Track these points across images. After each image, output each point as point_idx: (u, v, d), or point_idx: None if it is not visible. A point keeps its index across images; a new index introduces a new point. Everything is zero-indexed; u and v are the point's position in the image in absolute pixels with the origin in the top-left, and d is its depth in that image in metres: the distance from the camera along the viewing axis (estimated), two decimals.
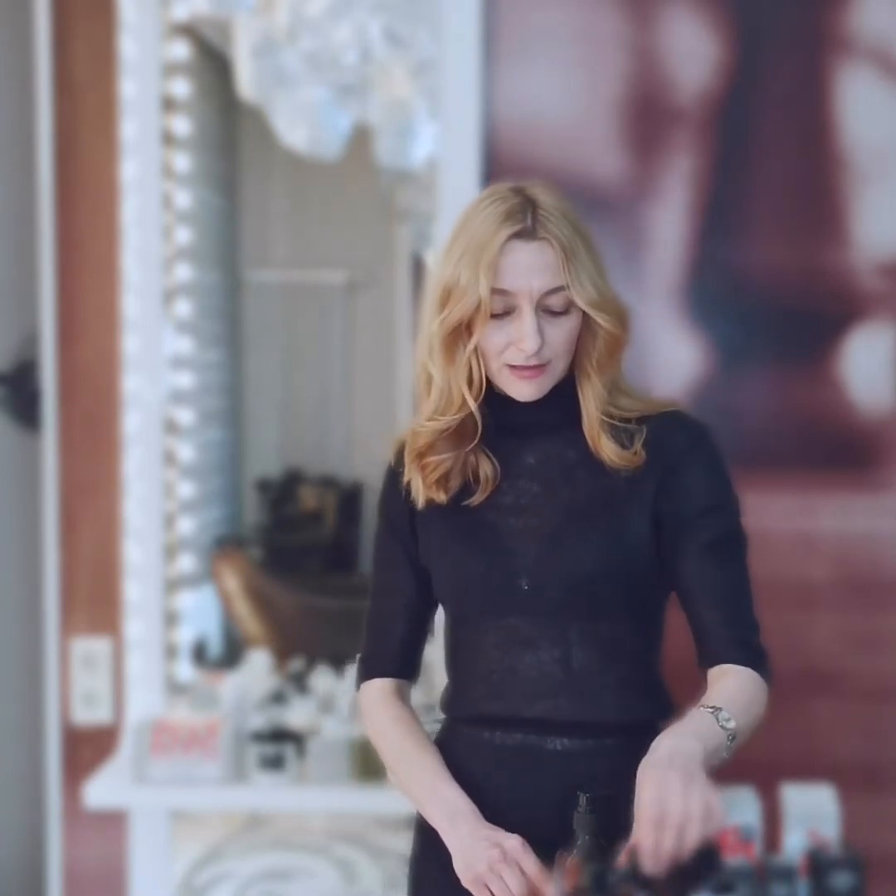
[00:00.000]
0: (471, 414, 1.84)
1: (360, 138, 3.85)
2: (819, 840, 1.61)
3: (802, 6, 3.03)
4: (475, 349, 1.81)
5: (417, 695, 3.40)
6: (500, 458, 1.88)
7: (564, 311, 1.80)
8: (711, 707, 1.69)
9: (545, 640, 1.84)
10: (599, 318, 1.81)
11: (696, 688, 1.79)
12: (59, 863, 3.33)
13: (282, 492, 4.73)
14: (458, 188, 3.02)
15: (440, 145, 3.13)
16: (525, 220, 1.79)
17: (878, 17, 3.02)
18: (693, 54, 3.03)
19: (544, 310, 1.80)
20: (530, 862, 1.75)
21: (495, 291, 1.78)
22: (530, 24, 3.04)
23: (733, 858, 1.60)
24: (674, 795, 1.56)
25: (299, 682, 3.52)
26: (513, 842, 1.76)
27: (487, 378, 1.84)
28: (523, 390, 1.83)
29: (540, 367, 1.81)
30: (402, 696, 1.96)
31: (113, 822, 3.28)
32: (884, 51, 3.02)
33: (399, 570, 1.95)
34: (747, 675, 1.78)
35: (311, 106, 3.68)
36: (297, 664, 3.62)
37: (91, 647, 3.32)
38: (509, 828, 1.78)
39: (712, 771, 1.62)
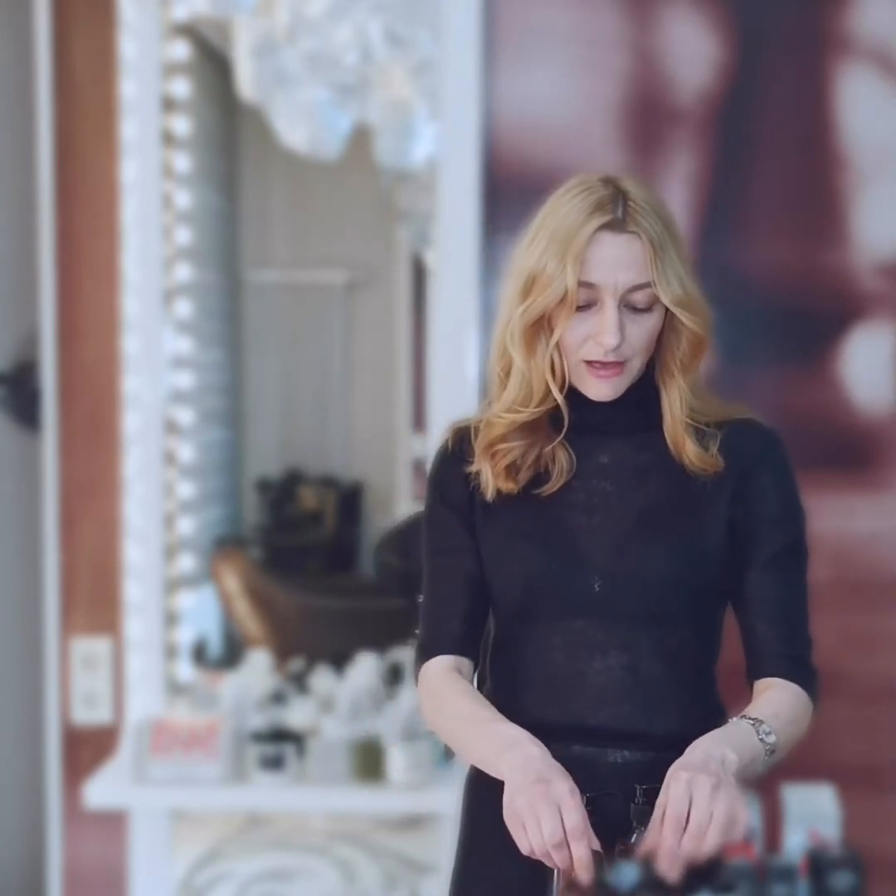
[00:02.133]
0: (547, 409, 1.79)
1: (360, 138, 3.85)
2: (819, 840, 1.61)
3: (802, 6, 3.03)
4: (557, 343, 1.76)
5: (416, 694, 3.40)
6: (574, 454, 1.82)
7: (647, 309, 1.75)
8: (753, 719, 1.66)
9: (614, 645, 1.78)
10: (684, 318, 1.75)
11: (736, 695, 1.77)
12: (59, 863, 3.33)
13: (282, 492, 4.73)
14: (458, 188, 3.02)
15: (440, 145, 3.12)
16: (615, 211, 1.73)
17: (878, 17, 3.02)
18: (693, 54, 3.03)
19: (627, 305, 1.74)
20: (573, 812, 1.58)
21: (580, 284, 1.72)
22: (530, 24, 3.04)
23: (733, 858, 1.59)
24: (700, 799, 1.54)
25: (299, 682, 3.52)
26: (562, 784, 1.60)
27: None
28: (599, 390, 1.78)
29: (618, 365, 1.76)
30: (463, 673, 1.84)
31: (113, 822, 3.27)
32: (884, 51, 3.02)
33: (461, 549, 1.85)
34: (794, 692, 1.75)
35: (311, 106, 3.67)
36: (297, 664, 3.61)
37: (91, 647, 3.32)
38: None
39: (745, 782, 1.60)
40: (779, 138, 3.04)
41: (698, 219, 3.05)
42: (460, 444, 1.87)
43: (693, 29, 3.04)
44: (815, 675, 1.79)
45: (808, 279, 3.04)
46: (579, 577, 1.78)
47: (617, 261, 1.72)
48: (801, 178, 3.05)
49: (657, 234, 1.73)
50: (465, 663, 1.86)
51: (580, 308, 1.74)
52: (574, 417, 1.81)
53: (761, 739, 1.64)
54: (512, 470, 1.81)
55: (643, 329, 1.76)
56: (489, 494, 1.82)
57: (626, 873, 1.62)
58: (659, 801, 1.58)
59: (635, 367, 1.78)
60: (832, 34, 3.03)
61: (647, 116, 3.05)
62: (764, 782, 2.37)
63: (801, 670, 1.77)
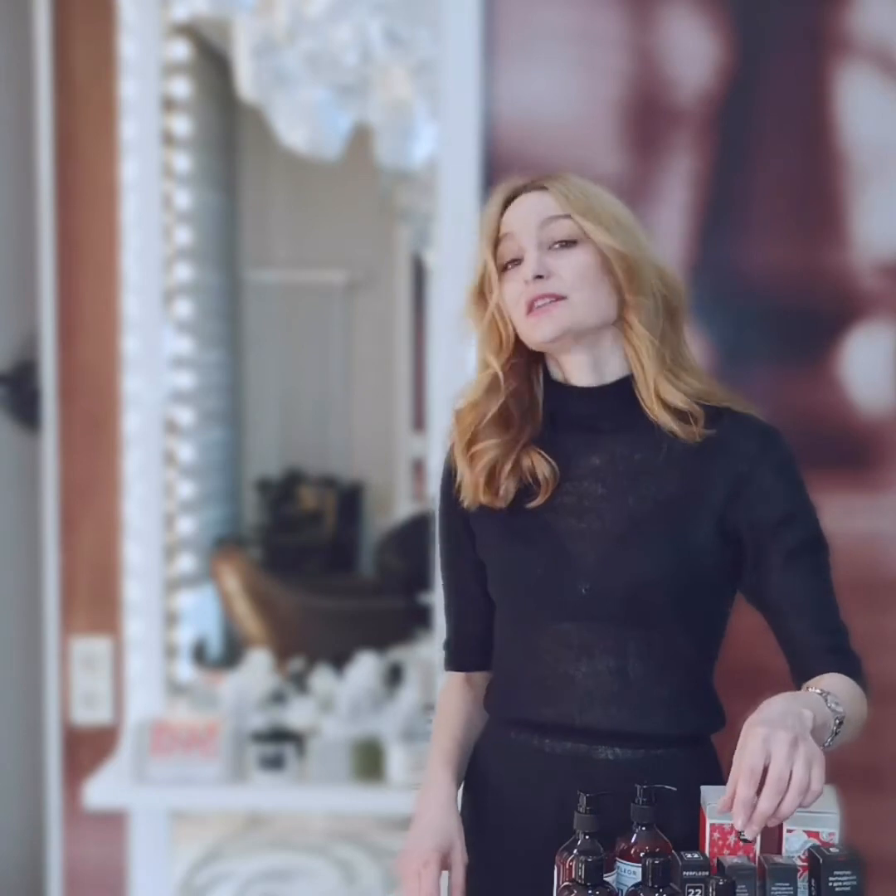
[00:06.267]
0: (516, 399, 1.80)
1: (360, 138, 3.86)
2: (819, 840, 1.60)
3: (802, 6, 3.03)
4: (498, 309, 1.79)
5: (416, 694, 3.40)
6: (563, 455, 1.82)
7: (572, 242, 1.77)
8: (820, 690, 1.62)
9: (600, 647, 1.78)
10: (604, 238, 1.75)
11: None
12: (59, 863, 3.33)
13: (282, 492, 4.73)
14: (458, 188, 3.02)
15: (440, 145, 3.13)
16: (524, 181, 1.81)
17: (878, 17, 3.02)
18: (693, 54, 3.03)
19: (551, 246, 1.77)
20: (426, 882, 1.75)
21: (501, 238, 1.78)
22: (530, 24, 3.04)
23: (734, 858, 1.59)
24: (778, 754, 1.49)
25: (299, 682, 3.52)
26: (418, 857, 1.77)
27: (545, 369, 1.82)
28: (540, 329, 1.76)
29: (553, 301, 1.76)
30: (472, 687, 1.94)
31: (113, 822, 3.28)
32: (884, 51, 3.02)
33: (459, 570, 1.92)
34: (845, 680, 1.71)
35: (311, 106, 3.67)
36: (297, 664, 3.62)
37: (91, 647, 3.32)
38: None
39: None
40: (779, 138, 3.04)
41: (698, 219, 3.05)
42: (452, 453, 1.91)
43: (693, 29, 3.04)
44: (859, 662, 1.76)
45: (808, 279, 3.04)
46: (566, 580, 1.78)
47: (529, 209, 1.78)
48: (801, 178, 3.05)
49: (574, 191, 1.77)
50: (477, 676, 1.94)
51: (509, 269, 1.78)
52: (556, 413, 1.82)
53: (831, 708, 1.60)
54: (492, 480, 1.82)
55: (571, 263, 1.77)
56: (467, 503, 1.84)
57: (626, 873, 1.62)
58: (736, 756, 1.53)
59: (576, 301, 1.77)
60: (832, 34, 3.03)
61: (647, 116, 3.05)
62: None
63: (845, 660, 1.75)
